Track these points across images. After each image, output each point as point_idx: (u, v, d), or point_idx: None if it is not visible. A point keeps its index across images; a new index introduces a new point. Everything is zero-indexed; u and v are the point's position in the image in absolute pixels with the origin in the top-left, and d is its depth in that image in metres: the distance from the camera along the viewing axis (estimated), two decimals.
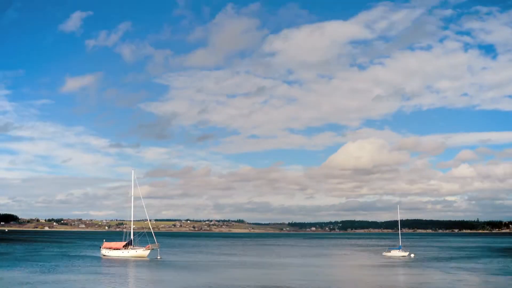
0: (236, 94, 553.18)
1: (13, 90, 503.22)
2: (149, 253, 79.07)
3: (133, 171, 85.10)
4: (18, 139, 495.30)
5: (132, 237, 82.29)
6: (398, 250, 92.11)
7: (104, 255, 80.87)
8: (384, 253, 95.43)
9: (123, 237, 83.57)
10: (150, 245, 79.72)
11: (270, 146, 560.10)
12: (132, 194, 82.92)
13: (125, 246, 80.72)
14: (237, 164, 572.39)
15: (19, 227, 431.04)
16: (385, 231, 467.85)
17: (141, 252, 78.87)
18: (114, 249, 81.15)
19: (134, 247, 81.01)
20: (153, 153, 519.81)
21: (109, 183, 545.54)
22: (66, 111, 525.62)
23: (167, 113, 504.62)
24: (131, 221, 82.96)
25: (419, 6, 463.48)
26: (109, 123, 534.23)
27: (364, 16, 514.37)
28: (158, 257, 77.09)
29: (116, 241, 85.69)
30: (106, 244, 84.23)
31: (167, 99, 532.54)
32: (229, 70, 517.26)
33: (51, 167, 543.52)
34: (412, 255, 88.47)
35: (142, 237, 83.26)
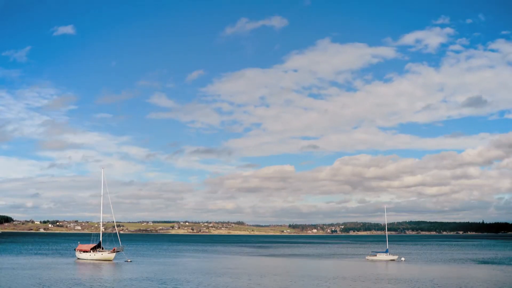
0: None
1: None
2: (116, 256, 77.40)
3: (102, 169, 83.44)
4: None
5: (101, 239, 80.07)
6: (385, 254, 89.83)
7: (78, 258, 79.13)
8: (368, 257, 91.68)
9: (91, 239, 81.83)
10: (116, 248, 77.94)
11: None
12: (102, 193, 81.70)
13: (94, 249, 78.26)
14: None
15: (14, 228, 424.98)
16: (388, 233, 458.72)
17: (107, 255, 76.30)
18: (83, 251, 78.94)
19: (102, 250, 78.24)
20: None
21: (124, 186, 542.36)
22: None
23: None
24: (100, 222, 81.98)
25: (448, 29, 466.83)
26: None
27: (393, 41, 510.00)
28: (128, 260, 76.06)
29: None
30: (79, 246, 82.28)
31: None
32: None
33: (81, 173, 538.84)
34: (403, 259, 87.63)
35: (110, 238, 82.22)
